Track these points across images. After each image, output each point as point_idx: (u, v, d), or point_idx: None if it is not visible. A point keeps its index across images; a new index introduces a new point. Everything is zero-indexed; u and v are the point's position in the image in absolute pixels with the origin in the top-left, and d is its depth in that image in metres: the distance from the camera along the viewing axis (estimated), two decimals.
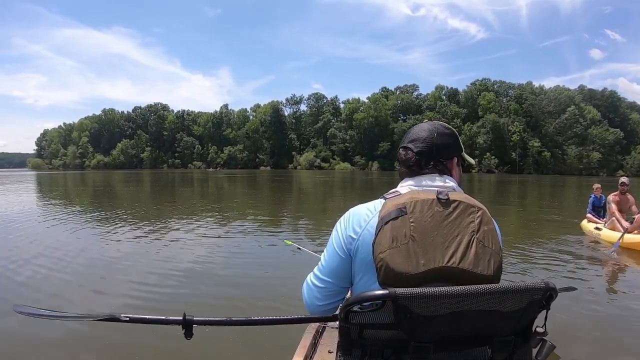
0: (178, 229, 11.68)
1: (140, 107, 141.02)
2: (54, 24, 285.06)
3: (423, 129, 1.58)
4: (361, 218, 1.44)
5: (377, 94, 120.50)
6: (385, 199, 1.44)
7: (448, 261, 1.26)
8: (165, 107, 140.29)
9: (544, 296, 1.28)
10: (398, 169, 1.63)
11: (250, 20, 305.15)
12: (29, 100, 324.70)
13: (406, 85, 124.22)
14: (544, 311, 1.33)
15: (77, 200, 23.64)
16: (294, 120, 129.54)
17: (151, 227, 11.91)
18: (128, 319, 1.74)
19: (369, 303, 1.24)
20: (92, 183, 44.41)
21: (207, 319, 1.82)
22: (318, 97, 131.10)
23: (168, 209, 18.12)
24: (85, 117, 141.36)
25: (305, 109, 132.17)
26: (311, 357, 2.48)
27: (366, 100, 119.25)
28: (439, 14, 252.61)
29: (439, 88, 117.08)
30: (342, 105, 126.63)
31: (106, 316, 1.74)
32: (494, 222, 1.41)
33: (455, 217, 1.32)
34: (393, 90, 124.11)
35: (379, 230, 1.33)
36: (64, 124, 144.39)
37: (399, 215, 1.31)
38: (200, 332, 1.84)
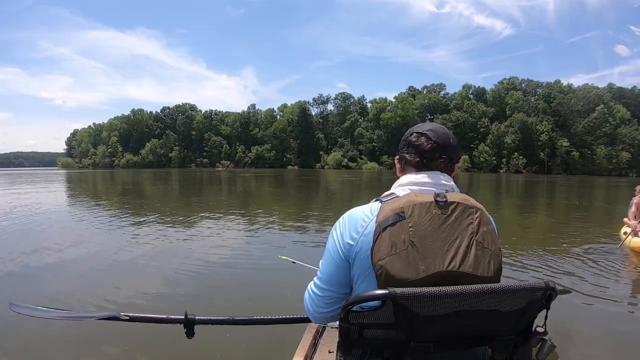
0: (192, 228, 11.86)
1: (168, 107, 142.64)
2: (78, 26, 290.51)
3: (439, 126, 1.57)
4: (358, 224, 1.41)
5: (404, 93, 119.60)
6: (381, 201, 1.41)
7: (448, 265, 1.24)
8: (193, 107, 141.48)
9: (544, 296, 1.28)
10: (402, 155, 1.58)
11: (273, 19, 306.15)
12: (58, 102, 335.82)
13: (433, 84, 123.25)
14: (544, 311, 1.33)
15: (104, 197, 24.14)
16: (321, 120, 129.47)
17: (166, 225, 12.12)
18: (128, 317, 1.77)
19: (369, 303, 1.24)
20: (121, 181, 45.26)
21: (209, 318, 1.88)
22: (345, 97, 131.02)
23: (189, 207, 18.39)
24: (115, 117, 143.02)
25: (332, 108, 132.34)
26: (311, 356, 2.47)
27: (393, 100, 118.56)
28: (464, 10, 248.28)
29: (466, 87, 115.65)
30: (369, 105, 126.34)
31: (106, 315, 1.78)
32: (492, 221, 1.39)
33: (454, 220, 1.30)
34: (420, 89, 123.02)
35: (377, 237, 1.30)
36: (94, 124, 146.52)
37: (397, 221, 1.29)
38: (201, 331, 1.89)
